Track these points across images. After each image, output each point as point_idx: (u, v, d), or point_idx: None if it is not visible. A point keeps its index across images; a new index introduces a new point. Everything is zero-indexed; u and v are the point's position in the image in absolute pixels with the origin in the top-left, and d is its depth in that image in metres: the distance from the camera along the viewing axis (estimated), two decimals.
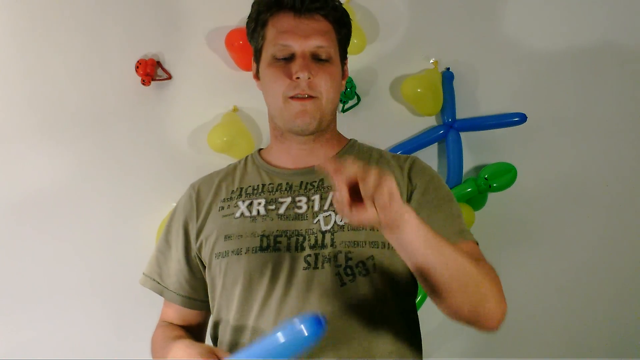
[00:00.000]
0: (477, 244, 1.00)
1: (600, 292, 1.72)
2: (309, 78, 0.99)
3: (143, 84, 1.56)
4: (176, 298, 1.09)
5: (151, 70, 1.56)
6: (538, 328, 1.69)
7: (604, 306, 1.72)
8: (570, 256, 1.71)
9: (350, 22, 1.10)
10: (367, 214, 0.74)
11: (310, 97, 1.00)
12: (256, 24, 1.05)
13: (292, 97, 1.00)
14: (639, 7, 1.72)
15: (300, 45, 1.00)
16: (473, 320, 0.89)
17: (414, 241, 0.80)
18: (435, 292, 0.86)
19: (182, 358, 0.88)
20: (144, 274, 1.13)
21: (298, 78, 0.98)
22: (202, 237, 1.06)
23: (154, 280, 1.11)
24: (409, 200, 1.02)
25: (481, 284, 0.87)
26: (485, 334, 1.66)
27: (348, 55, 1.59)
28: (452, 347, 1.66)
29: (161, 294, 1.11)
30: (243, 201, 1.05)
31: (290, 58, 1.01)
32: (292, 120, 1.01)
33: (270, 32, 1.03)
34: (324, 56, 1.02)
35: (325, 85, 1.01)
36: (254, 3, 1.06)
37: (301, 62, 0.99)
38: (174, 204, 1.55)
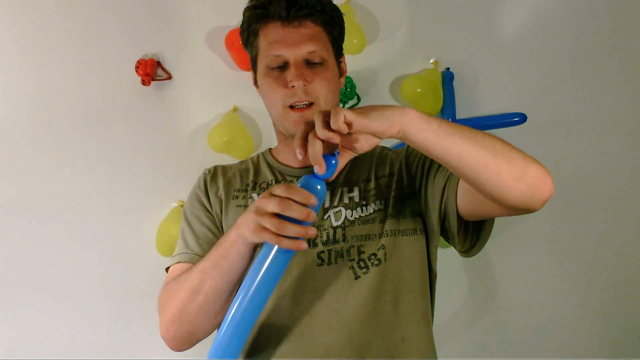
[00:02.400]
0: None
1: (600, 292, 1.71)
2: (305, 85, 0.99)
3: (143, 84, 1.56)
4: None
5: (151, 70, 1.56)
6: (538, 328, 1.69)
7: (604, 306, 1.72)
8: (570, 256, 1.71)
9: (342, 19, 1.10)
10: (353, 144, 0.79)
11: (308, 105, 1.00)
12: (248, 33, 1.07)
13: (291, 107, 1.01)
14: (638, 5, 1.72)
15: (292, 53, 1.01)
16: (527, 191, 0.85)
17: (423, 135, 0.79)
18: (474, 176, 0.83)
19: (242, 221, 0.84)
20: (171, 259, 1.07)
21: (294, 86, 0.99)
22: (214, 213, 1.06)
23: (180, 254, 1.05)
24: (414, 177, 1.05)
25: (512, 150, 0.86)
26: (486, 334, 1.67)
27: (348, 55, 1.59)
28: (453, 347, 1.66)
29: (191, 261, 1.04)
30: (258, 194, 1.05)
31: (284, 66, 1.02)
32: (292, 129, 1.02)
33: (262, 42, 1.04)
34: (317, 60, 1.02)
35: (322, 90, 1.01)
36: (244, 12, 1.07)
37: (294, 71, 1.00)
38: (174, 204, 1.56)
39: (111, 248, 1.59)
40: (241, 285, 0.81)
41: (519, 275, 1.69)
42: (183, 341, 0.96)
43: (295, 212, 0.75)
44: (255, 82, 1.11)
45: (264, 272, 0.79)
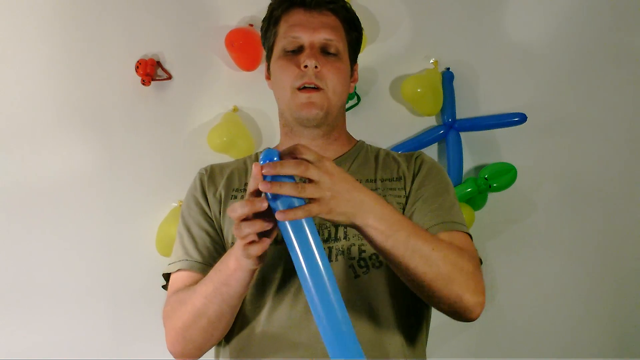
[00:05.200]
0: (470, 236, 1.00)
1: (600, 291, 1.71)
2: (316, 67, 1.00)
3: (143, 84, 1.56)
4: (205, 269, 1.01)
5: (151, 70, 1.56)
6: (538, 328, 1.69)
7: (603, 306, 1.72)
8: (569, 256, 1.71)
9: (361, 28, 1.12)
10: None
11: (316, 88, 1.01)
12: (269, 23, 1.09)
13: (299, 89, 1.01)
14: (638, 6, 1.72)
15: (309, 37, 1.03)
16: (449, 313, 0.90)
17: (373, 225, 0.79)
18: (410, 283, 0.86)
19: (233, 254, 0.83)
20: (169, 265, 1.05)
21: (306, 67, 1.00)
22: (213, 215, 1.05)
23: (180, 261, 1.03)
24: (408, 195, 1.04)
25: (455, 280, 0.86)
26: (485, 334, 1.67)
27: None
28: (452, 347, 1.66)
29: (191, 269, 1.02)
30: None
31: (299, 50, 1.03)
32: (298, 111, 1.02)
33: (282, 27, 1.06)
34: (332, 50, 1.04)
35: (332, 78, 1.02)
36: (269, 5, 1.09)
37: (309, 52, 1.02)
38: (174, 204, 1.56)
39: (111, 248, 1.58)
40: (302, 283, 0.76)
41: (518, 275, 1.69)
42: (190, 355, 0.98)
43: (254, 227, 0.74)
44: (268, 74, 1.11)
45: (306, 258, 0.74)
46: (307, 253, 0.74)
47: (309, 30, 1.03)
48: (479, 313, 0.91)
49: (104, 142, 1.59)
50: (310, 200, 0.74)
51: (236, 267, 0.84)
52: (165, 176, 1.59)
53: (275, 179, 0.72)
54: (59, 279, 1.57)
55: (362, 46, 1.56)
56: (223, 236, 1.04)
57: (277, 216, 0.72)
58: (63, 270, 1.57)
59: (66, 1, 1.59)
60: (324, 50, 1.03)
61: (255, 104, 1.61)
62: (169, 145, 1.60)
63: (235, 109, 1.61)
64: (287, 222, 0.73)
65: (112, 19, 1.59)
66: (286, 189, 0.71)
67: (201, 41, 1.62)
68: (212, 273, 0.89)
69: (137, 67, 1.56)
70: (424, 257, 0.83)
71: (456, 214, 1.01)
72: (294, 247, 0.74)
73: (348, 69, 1.08)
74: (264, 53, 1.14)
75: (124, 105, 1.60)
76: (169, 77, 1.60)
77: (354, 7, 1.58)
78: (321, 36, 1.03)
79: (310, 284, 0.74)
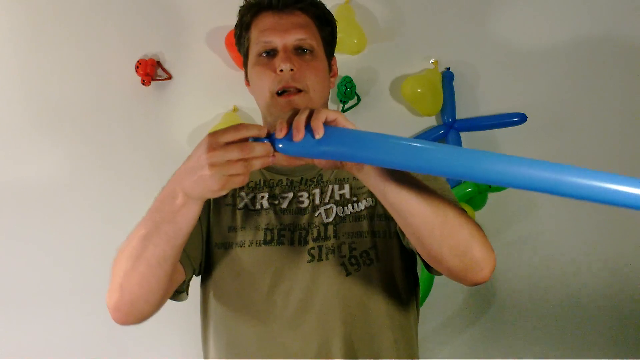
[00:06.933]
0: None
1: (600, 290, 1.72)
2: (292, 70, 0.99)
3: (143, 84, 1.56)
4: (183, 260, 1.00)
5: (151, 70, 1.56)
6: (538, 327, 1.69)
7: (604, 305, 1.72)
8: (570, 255, 1.71)
9: (334, 22, 1.11)
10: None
11: (297, 91, 1.00)
12: (241, 29, 1.08)
13: (279, 95, 1.01)
14: (637, 4, 1.72)
15: (281, 40, 1.02)
16: (460, 269, 0.85)
17: (383, 178, 0.78)
18: (415, 234, 0.82)
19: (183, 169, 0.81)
20: None
21: (282, 71, 0.99)
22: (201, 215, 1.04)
23: None
24: None
25: (463, 228, 0.83)
26: (485, 334, 1.67)
27: (348, 55, 1.59)
28: (452, 347, 1.66)
29: None
30: (247, 193, 1.05)
31: (273, 54, 1.02)
32: (280, 114, 1.02)
33: (254, 32, 1.05)
34: (306, 48, 1.03)
35: (310, 77, 1.01)
36: (238, 11, 1.08)
37: (283, 55, 1.01)
38: None
39: (109, 249, 1.57)
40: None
41: (518, 276, 1.69)
42: (126, 313, 0.92)
43: (259, 150, 0.74)
44: (247, 80, 1.11)
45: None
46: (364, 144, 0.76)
47: (280, 32, 1.01)
48: (490, 272, 0.87)
49: (103, 141, 1.59)
50: None
51: (184, 202, 0.80)
52: (165, 177, 1.58)
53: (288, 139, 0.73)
54: (55, 279, 1.57)
55: (362, 46, 1.59)
56: (205, 235, 1.02)
57: (316, 130, 0.72)
58: (61, 272, 1.57)
59: (67, 1, 1.59)
60: (298, 51, 1.02)
61: (255, 104, 1.61)
62: (169, 145, 1.61)
63: (235, 109, 1.61)
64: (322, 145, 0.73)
65: (112, 19, 1.60)
66: (301, 116, 0.72)
67: (201, 41, 1.62)
68: (151, 214, 0.86)
69: (137, 67, 1.56)
70: (431, 199, 0.80)
71: (453, 196, 1.00)
72: (354, 150, 0.74)
73: (325, 65, 1.07)
74: None
75: (124, 105, 1.60)
76: (169, 77, 1.60)
77: (354, 8, 1.60)
78: (293, 37, 1.01)
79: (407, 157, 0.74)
